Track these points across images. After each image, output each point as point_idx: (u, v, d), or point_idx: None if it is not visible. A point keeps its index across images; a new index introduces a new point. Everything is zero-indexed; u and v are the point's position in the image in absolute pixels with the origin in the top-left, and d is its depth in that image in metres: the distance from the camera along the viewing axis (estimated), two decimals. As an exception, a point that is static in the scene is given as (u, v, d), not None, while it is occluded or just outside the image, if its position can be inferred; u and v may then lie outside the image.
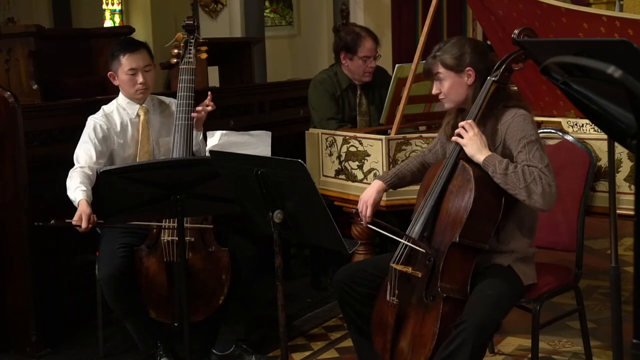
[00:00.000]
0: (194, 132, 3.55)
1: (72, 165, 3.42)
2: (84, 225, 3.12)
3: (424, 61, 2.92)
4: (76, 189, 3.24)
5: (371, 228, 2.90)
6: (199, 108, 3.52)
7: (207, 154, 3.36)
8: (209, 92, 3.61)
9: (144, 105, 3.59)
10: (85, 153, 3.41)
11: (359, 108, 4.36)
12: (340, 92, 4.32)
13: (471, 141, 2.68)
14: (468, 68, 2.78)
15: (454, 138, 2.74)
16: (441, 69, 2.80)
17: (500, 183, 2.63)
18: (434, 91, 2.86)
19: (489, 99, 2.73)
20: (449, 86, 2.80)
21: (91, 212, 3.15)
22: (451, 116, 2.91)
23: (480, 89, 2.76)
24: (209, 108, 3.54)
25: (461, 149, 2.72)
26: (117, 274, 3.26)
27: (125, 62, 3.49)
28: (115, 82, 3.58)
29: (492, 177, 2.65)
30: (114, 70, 3.55)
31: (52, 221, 3.13)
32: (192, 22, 3.73)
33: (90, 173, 3.34)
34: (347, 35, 4.32)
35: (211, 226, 3.43)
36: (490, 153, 2.68)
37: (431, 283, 2.67)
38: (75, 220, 3.14)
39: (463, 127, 2.71)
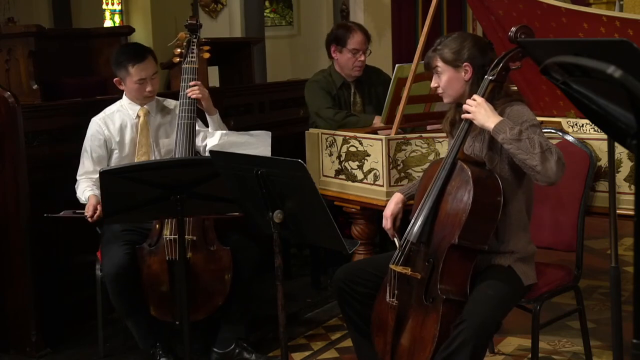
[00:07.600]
0: (197, 133, 3.57)
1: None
2: (89, 213, 3.28)
3: (423, 61, 2.93)
4: (84, 190, 3.49)
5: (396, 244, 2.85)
6: (191, 93, 3.51)
7: (207, 154, 3.36)
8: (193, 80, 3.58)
9: (145, 106, 3.60)
10: (86, 161, 3.58)
11: (353, 107, 4.37)
12: (336, 91, 4.34)
13: (477, 110, 2.64)
14: (465, 63, 2.77)
15: (463, 115, 2.70)
16: (439, 63, 2.80)
17: (511, 149, 2.57)
18: (433, 84, 2.86)
19: (486, 98, 2.73)
20: (446, 80, 2.80)
21: (98, 203, 3.30)
22: (450, 112, 2.90)
23: (479, 85, 2.75)
24: (198, 83, 3.54)
25: (459, 150, 2.71)
26: (122, 271, 3.28)
27: (135, 73, 3.50)
28: (122, 87, 3.59)
29: (502, 144, 2.60)
30: (121, 77, 3.55)
31: (62, 212, 3.34)
32: (194, 21, 3.73)
33: (96, 176, 3.42)
34: (338, 29, 4.39)
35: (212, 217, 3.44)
36: (500, 119, 2.62)
37: (430, 285, 2.66)
38: (86, 212, 3.31)
39: (468, 104, 2.68)
